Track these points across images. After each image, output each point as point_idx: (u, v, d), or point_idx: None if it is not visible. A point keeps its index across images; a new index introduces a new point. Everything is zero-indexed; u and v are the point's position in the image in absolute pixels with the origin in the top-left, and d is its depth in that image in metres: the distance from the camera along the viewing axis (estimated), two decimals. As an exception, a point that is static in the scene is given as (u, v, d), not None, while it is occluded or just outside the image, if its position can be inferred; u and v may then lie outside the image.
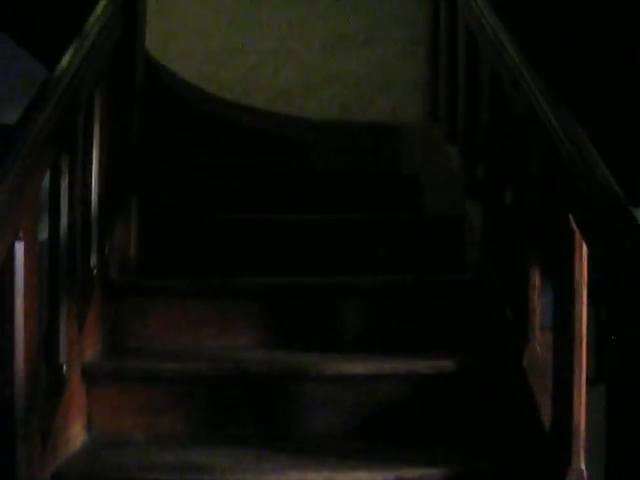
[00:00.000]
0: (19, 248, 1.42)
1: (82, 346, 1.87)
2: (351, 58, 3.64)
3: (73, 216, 1.80)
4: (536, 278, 1.86)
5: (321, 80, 3.60)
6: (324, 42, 3.65)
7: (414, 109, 3.34)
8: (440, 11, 2.89)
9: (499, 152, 2.23)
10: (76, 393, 1.80)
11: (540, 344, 1.87)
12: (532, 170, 1.94)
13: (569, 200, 1.60)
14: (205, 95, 3.30)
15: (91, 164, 1.98)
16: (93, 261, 1.98)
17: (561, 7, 3.25)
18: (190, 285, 2.13)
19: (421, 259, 2.37)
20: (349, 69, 3.63)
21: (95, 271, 1.98)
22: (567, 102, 1.79)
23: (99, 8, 2.08)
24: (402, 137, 3.31)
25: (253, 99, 3.44)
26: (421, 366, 1.91)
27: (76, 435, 1.79)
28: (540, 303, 1.87)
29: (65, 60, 1.82)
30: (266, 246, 2.33)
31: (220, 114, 3.17)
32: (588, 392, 1.65)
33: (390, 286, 2.18)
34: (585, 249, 1.54)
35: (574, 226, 1.56)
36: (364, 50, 3.65)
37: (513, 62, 1.96)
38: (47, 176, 1.64)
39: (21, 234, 1.42)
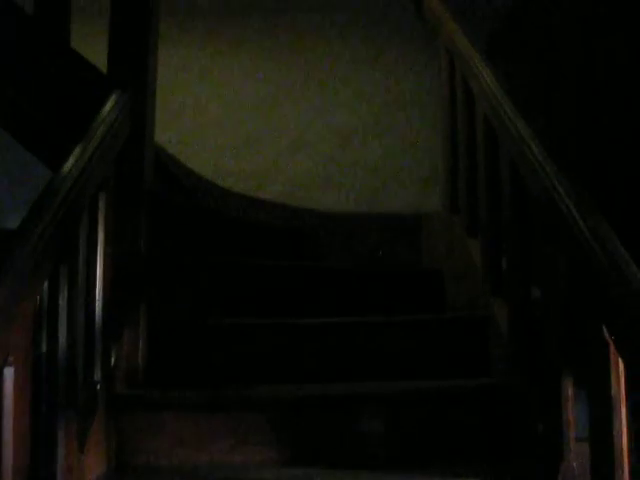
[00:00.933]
0: (8, 374, 1.32)
1: (83, 468, 1.75)
2: (368, 148, 3.59)
3: (74, 329, 1.70)
4: (569, 388, 1.73)
5: (338, 171, 3.55)
6: (341, 133, 3.62)
7: (433, 200, 3.27)
8: (457, 100, 2.84)
9: (523, 247, 2.13)
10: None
11: (575, 457, 1.72)
12: (560, 268, 1.83)
13: (601, 309, 1.48)
14: (220, 190, 3.25)
15: (95, 273, 1.89)
16: (97, 375, 1.87)
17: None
18: (201, 397, 2.01)
19: (443, 361, 2.25)
20: (366, 159, 3.58)
21: (99, 385, 1.87)
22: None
23: (104, 110, 2.03)
24: (422, 229, 3.22)
25: (269, 192, 3.39)
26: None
27: None
28: (574, 414, 1.74)
29: (67, 166, 1.75)
30: (281, 351, 2.22)
31: (235, 209, 3.10)
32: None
33: (411, 394, 2.05)
34: (622, 364, 1.42)
35: (608, 338, 1.44)
36: (381, 140, 3.61)
37: (534, 158, 1.87)
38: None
39: (11, 359, 1.32)
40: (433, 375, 2.23)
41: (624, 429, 1.46)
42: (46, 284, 1.56)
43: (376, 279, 2.86)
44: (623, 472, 1.48)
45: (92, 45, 2.45)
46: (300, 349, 2.23)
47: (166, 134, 3.13)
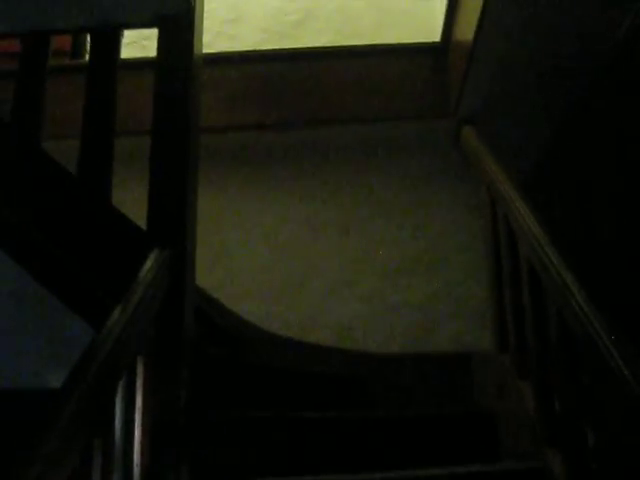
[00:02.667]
0: None
1: None
2: (413, 286, 3.56)
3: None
4: None
5: (384, 311, 3.51)
6: (385, 271, 3.60)
7: (481, 338, 3.20)
8: (500, 237, 2.81)
9: (576, 393, 2.05)
10: None
11: None
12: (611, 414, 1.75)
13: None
14: (263, 334, 3.22)
15: (133, 439, 1.85)
16: None
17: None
18: None
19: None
20: (412, 297, 3.54)
21: None
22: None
23: (144, 270, 2.04)
24: (471, 369, 3.13)
25: (314, 335, 3.36)
26: None
27: None
28: None
29: (104, 331, 1.75)
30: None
31: (280, 355, 3.06)
32: None
33: None
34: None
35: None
36: (426, 277, 3.58)
37: (580, 309, 1.82)
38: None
39: None
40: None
41: None
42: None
43: (426, 424, 2.78)
44: None
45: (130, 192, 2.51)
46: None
47: (208, 277, 3.14)
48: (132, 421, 1.86)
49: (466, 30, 3.42)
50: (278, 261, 3.59)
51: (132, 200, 2.51)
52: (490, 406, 2.86)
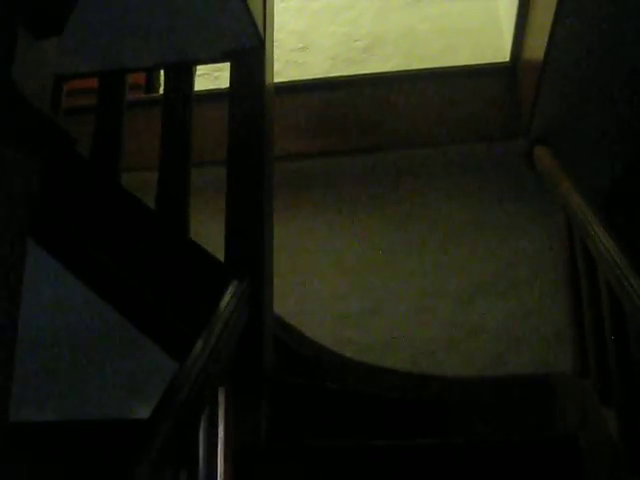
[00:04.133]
0: None
1: None
2: (490, 309, 3.52)
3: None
4: None
5: (462, 333, 3.49)
6: (462, 295, 3.58)
7: (561, 362, 3.15)
8: (577, 259, 2.77)
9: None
10: None
11: None
12: None
13: None
14: (341, 361, 3.23)
15: (215, 469, 1.88)
16: None
17: None
18: None
19: None
20: (489, 321, 3.51)
21: None
22: None
23: (223, 303, 2.07)
24: (551, 392, 3.09)
25: (391, 361, 3.35)
26: None
27: None
28: None
29: (186, 367, 1.78)
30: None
31: (355, 382, 3.07)
32: None
33: None
34: None
35: None
36: (504, 300, 3.54)
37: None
38: None
39: None
40: None
41: None
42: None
43: (509, 450, 2.73)
44: None
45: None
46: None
47: (284, 304, 3.17)
48: (214, 451, 1.88)
49: (536, 48, 3.39)
50: (352, 287, 3.60)
51: (206, 234, 2.56)
52: (572, 431, 2.80)
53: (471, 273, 3.56)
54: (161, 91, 4.06)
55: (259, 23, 2.69)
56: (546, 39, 3.12)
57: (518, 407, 3.21)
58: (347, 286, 3.61)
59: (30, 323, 2.45)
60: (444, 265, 3.59)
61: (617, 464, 2.31)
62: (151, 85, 4.30)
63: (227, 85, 2.73)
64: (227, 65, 2.78)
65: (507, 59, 3.88)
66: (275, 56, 3.00)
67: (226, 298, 2.08)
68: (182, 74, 2.72)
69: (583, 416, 2.73)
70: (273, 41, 2.92)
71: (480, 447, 2.64)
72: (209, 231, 2.58)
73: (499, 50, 3.99)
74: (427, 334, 3.47)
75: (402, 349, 3.43)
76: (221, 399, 1.96)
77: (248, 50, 2.70)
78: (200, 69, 3.83)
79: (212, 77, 4.18)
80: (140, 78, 4.23)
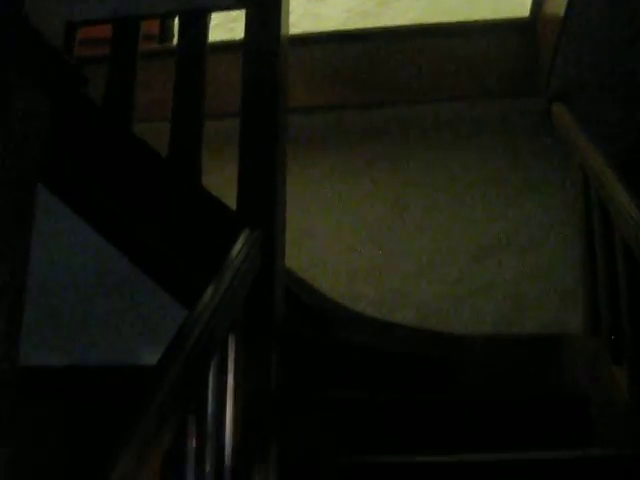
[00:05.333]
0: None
1: None
2: (502, 267, 3.50)
3: (203, 477, 1.68)
4: None
5: (471, 292, 3.47)
6: (473, 252, 3.55)
7: (572, 321, 3.13)
8: (593, 219, 2.74)
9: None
10: None
11: None
12: None
13: None
14: (351, 315, 3.22)
15: (224, 418, 1.88)
16: (227, 525, 1.84)
17: None
18: None
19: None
20: (499, 279, 3.48)
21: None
22: None
23: (234, 251, 2.06)
24: (561, 352, 3.07)
25: (401, 316, 3.34)
26: None
27: None
28: None
29: (196, 312, 1.77)
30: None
31: (365, 336, 3.06)
32: None
33: None
34: None
35: None
36: (515, 258, 3.51)
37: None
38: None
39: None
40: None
41: None
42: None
43: (517, 408, 2.73)
44: None
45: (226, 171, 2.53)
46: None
47: (295, 257, 3.15)
48: (224, 399, 1.88)
49: (556, 4, 3.33)
50: (364, 242, 3.58)
51: (217, 184, 2.53)
52: (582, 390, 2.80)
53: (484, 230, 3.54)
54: (175, 42, 4.01)
55: (275, -29, 2.64)
56: (567, -6, 3.07)
57: (527, 367, 3.20)
58: (359, 241, 3.59)
59: (41, 269, 2.45)
60: (457, 222, 3.56)
61: (628, 423, 2.30)
62: (165, 35, 4.25)
63: (242, 36, 2.68)
64: (242, 16, 2.73)
65: (527, 14, 3.81)
66: (290, 7, 2.95)
67: (238, 245, 2.06)
68: (197, 21, 2.68)
69: (594, 376, 2.72)
70: (289, -11, 2.86)
71: (489, 404, 2.64)
72: (221, 182, 2.56)
73: (519, 5, 3.91)
74: (438, 291, 3.45)
75: (412, 305, 3.42)
76: (231, 347, 1.95)
77: (264, -1, 2.65)
78: (215, 20, 3.77)
79: (227, 28, 4.12)
80: (154, 26, 4.17)
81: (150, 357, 1.81)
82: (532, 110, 3.64)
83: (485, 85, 3.70)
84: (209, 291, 1.86)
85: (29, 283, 1.67)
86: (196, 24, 2.69)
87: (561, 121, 3.34)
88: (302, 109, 3.65)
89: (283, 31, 2.70)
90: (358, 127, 3.81)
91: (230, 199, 2.39)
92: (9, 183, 1.56)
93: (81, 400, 2.48)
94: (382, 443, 2.35)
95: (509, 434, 2.53)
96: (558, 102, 3.49)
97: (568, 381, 3.01)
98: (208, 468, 1.71)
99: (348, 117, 3.83)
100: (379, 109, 3.79)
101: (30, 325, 2.21)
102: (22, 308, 1.57)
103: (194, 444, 1.64)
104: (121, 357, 2.51)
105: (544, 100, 3.55)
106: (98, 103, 2.62)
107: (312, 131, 3.79)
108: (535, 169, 3.61)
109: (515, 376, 3.11)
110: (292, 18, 3.06)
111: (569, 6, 3.10)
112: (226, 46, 3.58)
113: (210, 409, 1.76)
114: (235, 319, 1.96)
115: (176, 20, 3.66)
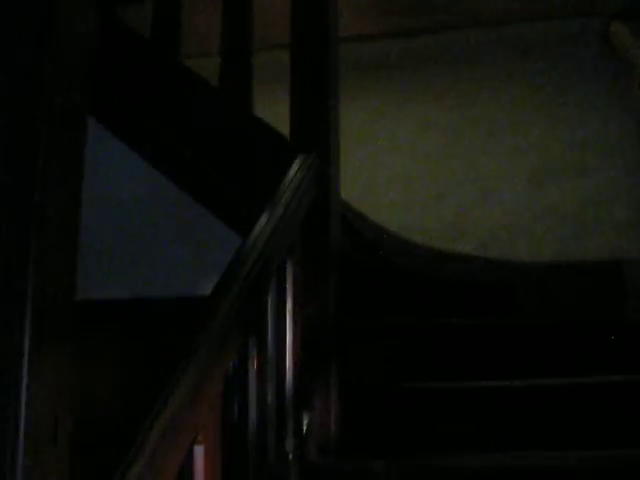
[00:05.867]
0: (199, 452, 1.31)
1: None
2: (562, 192, 3.42)
3: (264, 401, 1.68)
4: None
5: (531, 218, 3.40)
6: (532, 177, 3.48)
7: (636, 245, 3.05)
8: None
9: None
10: None
11: None
12: None
13: None
14: (408, 246, 3.18)
15: (284, 340, 1.87)
16: (289, 445, 1.84)
17: None
18: (396, 468, 1.92)
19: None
20: (560, 204, 3.41)
21: (291, 455, 1.84)
22: None
23: (289, 175, 2.03)
24: (623, 277, 3.00)
25: (459, 245, 3.29)
26: None
27: None
28: None
29: (253, 235, 1.76)
30: (479, 418, 2.10)
31: (422, 265, 3.02)
32: None
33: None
34: None
35: None
36: (575, 183, 3.43)
37: None
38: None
39: (200, 437, 1.31)
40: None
41: None
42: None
43: (576, 333, 2.68)
44: None
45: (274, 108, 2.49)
46: (500, 415, 2.10)
47: (351, 189, 3.11)
48: (284, 323, 1.87)
49: None
50: (420, 171, 3.52)
51: (272, 115, 2.49)
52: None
53: (541, 156, 3.45)
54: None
55: None
56: None
57: (587, 294, 3.14)
58: (414, 171, 3.53)
59: (97, 204, 2.46)
60: (513, 148, 3.48)
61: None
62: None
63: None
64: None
65: None
66: None
67: (293, 170, 2.03)
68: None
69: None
70: None
71: (547, 328, 2.60)
72: (274, 113, 2.52)
73: None
74: (494, 219, 3.39)
75: (469, 234, 3.37)
76: (289, 271, 1.93)
77: None
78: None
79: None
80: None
81: (210, 289, 1.80)
82: (590, 31, 3.51)
83: (540, 6, 3.57)
84: (265, 215, 1.84)
85: (84, 219, 1.67)
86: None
87: (620, 40, 3.22)
88: (351, 38, 3.57)
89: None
90: (411, 54, 3.73)
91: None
92: (60, 112, 1.54)
93: (142, 332, 2.50)
94: (438, 369, 2.33)
95: (568, 360, 2.48)
96: (617, 21, 3.36)
97: (629, 308, 2.95)
98: (269, 389, 1.71)
99: (401, 44, 3.74)
100: (434, 35, 3.70)
101: (88, 260, 2.23)
102: (77, 240, 1.55)
103: (255, 366, 1.63)
104: (179, 290, 2.52)
105: (603, 19, 3.42)
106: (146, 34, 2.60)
107: (364, 60, 3.72)
108: (594, 92, 3.49)
109: (575, 303, 3.06)
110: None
111: None
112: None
113: (270, 332, 1.75)
114: (292, 243, 1.94)
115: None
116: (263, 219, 1.84)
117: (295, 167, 2.07)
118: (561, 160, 3.44)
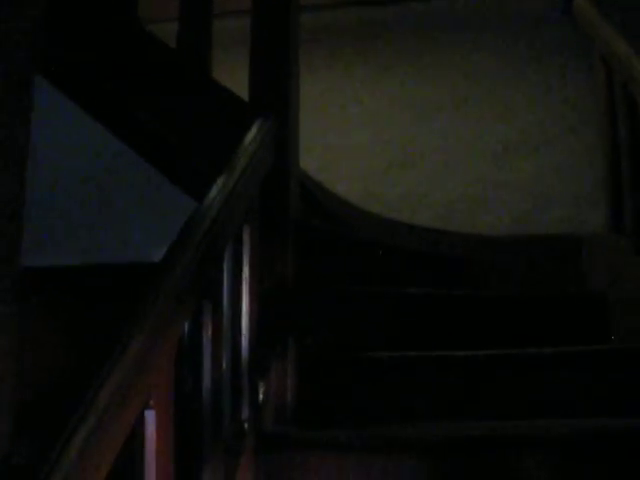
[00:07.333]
0: (150, 417, 1.27)
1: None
2: (522, 166, 3.42)
3: (218, 367, 1.64)
4: None
5: (491, 191, 3.40)
6: (493, 151, 3.47)
7: (593, 219, 3.06)
8: (617, 110, 2.65)
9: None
10: None
11: None
12: None
13: None
14: (367, 215, 3.15)
15: (240, 307, 1.83)
16: (244, 413, 1.80)
17: None
18: (356, 437, 1.89)
19: (611, 400, 2.04)
20: (521, 178, 3.41)
21: (247, 424, 1.81)
22: None
23: (247, 139, 1.98)
24: (583, 251, 3.01)
25: (418, 217, 3.28)
26: None
27: None
28: None
29: (209, 198, 1.71)
30: (436, 387, 2.09)
31: (380, 236, 3.00)
32: None
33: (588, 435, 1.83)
34: None
35: None
36: (536, 157, 3.43)
37: None
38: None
39: (152, 402, 1.27)
40: (600, 413, 2.03)
41: None
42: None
43: (533, 304, 2.68)
44: None
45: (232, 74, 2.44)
46: (455, 384, 2.09)
47: (310, 159, 3.08)
48: (240, 289, 1.83)
49: None
50: (380, 143, 3.50)
51: (229, 82, 2.44)
52: (601, 289, 2.74)
53: (503, 129, 3.45)
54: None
55: None
56: None
57: (544, 266, 3.14)
58: (375, 142, 3.50)
59: (47, 166, 2.38)
60: (475, 121, 3.47)
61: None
62: None
63: None
64: None
65: None
66: None
67: (251, 133, 1.98)
68: None
69: (614, 273, 2.67)
70: None
71: (504, 301, 2.60)
72: (232, 81, 2.47)
73: None
74: (455, 190, 3.39)
75: (429, 205, 3.35)
76: (246, 238, 1.89)
77: None
78: None
79: None
80: None
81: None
82: (554, 5, 3.50)
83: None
84: (222, 178, 1.80)
85: (34, 184, 1.61)
86: None
87: (582, 13, 3.20)
88: (316, 6, 3.52)
89: None
90: (374, 24, 3.69)
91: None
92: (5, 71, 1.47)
93: (93, 298, 2.45)
94: (393, 339, 2.31)
95: (525, 331, 2.48)
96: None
97: (587, 280, 2.96)
98: (225, 356, 1.67)
99: (364, 14, 3.70)
100: (392, 5, 3.66)
101: (38, 226, 2.16)
102: (23, 205, 1.49)
103: (210, 332, 1.60)
104: (131, 255, 2.46)
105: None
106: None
107: (326, 30, 3.67)
108: (556, 65, 3.50)
109: (533, 276, 3.06)
110: None
111: None
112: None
113: (226, 297, 1.71)
114: (249, 208, 1.90)
115: None
116: (220, 182, 1.79)
117: (253, 131, 2.03)
118: (522, 133, 3.44)
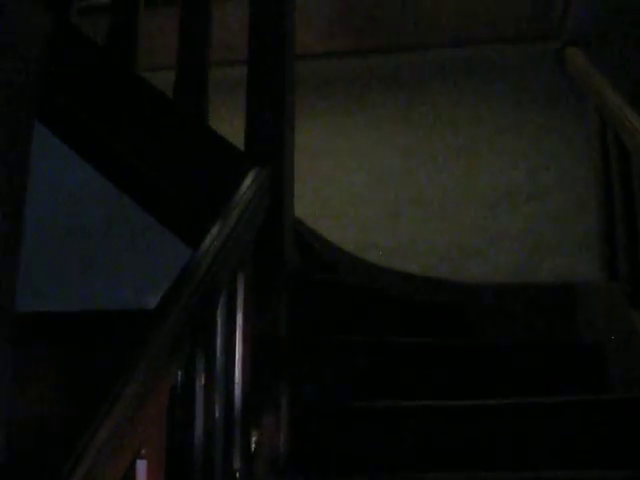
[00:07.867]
0: (141, 467, 1.26)
1: None
2: (514, 215, 3.44)
3: (211, 416, 1.63)
4: None
5: (484, 241, 3.41)
6: (486, 200, 3.49)
7: (588, 268, 3.07)
8: (610, 159, 2.67)
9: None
10: None
11: None
12: None
13: None
14: (362, 264, 3.17)
15: (234, 356, 1.82)
16: (236, 462, 1.79)
17: None
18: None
19: (609, 451, 2.03)
20: (514, 227, 3.43)
21: (238, 473, 1.79)
22: None
23: (242, 188, 2.00)
24: (578, 301, 3.01)
25: (412, 265, 3.28)
26: None
27: None
28: None
29: (203, 247, 1.72)
30: (433, 436, 2.08)
31: (375, 283, 3.01)
32: None
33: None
34: None
35: None
36: (529, 206, 3.45)
37: None
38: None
39: (143, 451, 1.26)
40: (595, 464, 2.01)
41: None
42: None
43: (527, 354, 2.67)
44: None
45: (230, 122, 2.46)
46: (453, 434, 2.08)
47: (306, 206, 3.10)
48: (233, 338, 1.83)
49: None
50: (373, 190, 3.51)
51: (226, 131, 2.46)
52: (597, 337, 2.74)
53: (497, 178, 3.47)
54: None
55: None
56: None
57: (541, 315, 3.14)
58: (368, 189, 3.52)
59: (41, 212, 2.40)
60: (470, 170, 3.50)
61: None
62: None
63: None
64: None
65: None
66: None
67: (246, 182, 2.00)
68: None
69: (609, 321, 2.67)
70: None
71: (501, 349, 2.59)
72: (229, 129, 2.49)
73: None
74: (449, 240, 3.39)
75: (423, 254, 3.36)
76: (240, 285, 1.89)
77: None
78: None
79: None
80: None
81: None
82: (547, 55, 3.54)
83: (498, 29, 3.61)
84: (217, 227, 1.81)
85: (30, 228, 1.62)
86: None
87: (575, 64, 3.25)
88: (310, 55, 3.57)
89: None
90: (369, 73, 3.73)
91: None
92: (5, 113, 1.49)
93: (87, 346, 2.44)
94: (389, 387, 2.30)
95: (520, 380, 2.47)
96: (572, 47, 3.39)
97: (582, 329, 2.96)
98: (217, 404, 1.66)
99: (358, 63, 3.75)
100: (390, 55, 3.71)
101: (30, 269, 2.16)
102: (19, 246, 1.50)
103: (203, 380, 1.59)
104: (125, 303, 2.46)
105: (559, 44, 3.46)
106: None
107: (320, 78, 3.71)
108: (550, 115, 3.53)
109: (527, 325, 3.06)
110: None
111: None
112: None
113: (219, 345, 1.71)
114: (243, 257, 1.91)
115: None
116: (214, 230, 1.80)
117: (248, 180, 2.04)
118: (516, 182, 3.46)
